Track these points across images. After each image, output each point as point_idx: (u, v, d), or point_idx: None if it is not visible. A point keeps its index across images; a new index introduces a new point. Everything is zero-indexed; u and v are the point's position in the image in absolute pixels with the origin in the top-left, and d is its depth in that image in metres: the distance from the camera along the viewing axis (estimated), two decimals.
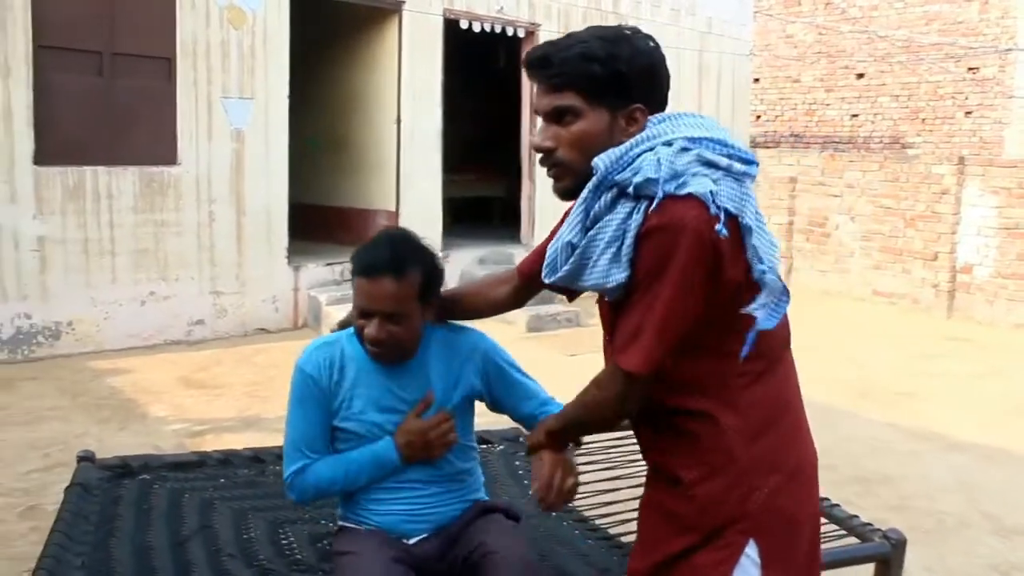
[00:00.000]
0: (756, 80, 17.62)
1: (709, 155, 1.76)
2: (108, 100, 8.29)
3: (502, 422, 2.99)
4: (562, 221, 1.97)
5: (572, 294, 2.05)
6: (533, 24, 11.27)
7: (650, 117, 1.86)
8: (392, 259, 2.33)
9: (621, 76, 1.80)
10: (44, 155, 7.99)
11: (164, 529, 2.83)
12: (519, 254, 11.21)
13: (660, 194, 1.70)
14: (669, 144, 1.76)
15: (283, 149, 9.31)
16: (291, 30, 9.25)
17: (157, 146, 8.58)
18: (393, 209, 10.37)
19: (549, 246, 1.93)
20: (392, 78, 10.22)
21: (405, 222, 10.25)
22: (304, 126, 11.43)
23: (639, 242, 1.72)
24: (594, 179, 1.78)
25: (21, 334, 7.99)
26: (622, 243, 1.74)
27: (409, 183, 10.36)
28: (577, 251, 1.81)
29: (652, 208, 1.70)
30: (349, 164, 10.94)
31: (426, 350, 2.47)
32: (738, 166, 1.78)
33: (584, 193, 1.81)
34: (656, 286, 1.71)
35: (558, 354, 8.84)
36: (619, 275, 1.75)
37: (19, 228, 7.90)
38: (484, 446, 3.58)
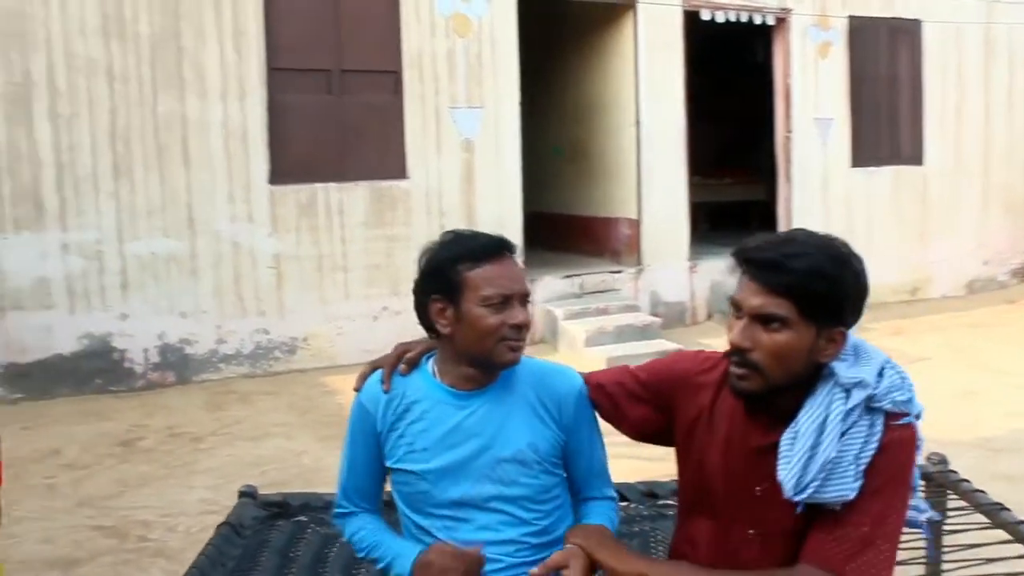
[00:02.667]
0: None
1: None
2: (338, 117, 8.34)
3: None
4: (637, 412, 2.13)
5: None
6: (784, 10, 10.28)
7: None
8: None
9: (841, 300, 1.82)
10: (278, 174, 8.15)
11: None
12: None
13: (912, 411, 1.83)
14: (891, 365, 1.88)
15: (515, 158, 8.98)
16: (520, 34, 8.94)
17: (386, 160, 8.53)
18: (635, 216, 9.74)
19: (787, 465, 1.84)
20: (629, 78, 9.64)
21: (648, 230, 9.64)
22: (546, 134, 11.20)
23: (880, 454, 1.79)
24: (859, 394, 1.82)
25: (260, 349, 8.12)
26: (860, 455, 1.79)
27: (650, 189, 9.70)
28: (829, 464, 1.80)
29: (893, 423, 1.81)
30: (589, 171, 10.49)
31: (510, 380, 2.10)
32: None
33: (838, 407, 1.83)
34: (893, 497, 1.81)
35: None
36: (856, 485, 1.79)
37: (256, 246, 8.07)
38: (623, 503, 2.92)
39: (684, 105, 9.76)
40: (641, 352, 8.25)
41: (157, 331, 7.79)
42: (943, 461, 2.83)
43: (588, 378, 2.20)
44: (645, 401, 2.13)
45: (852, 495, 1.78)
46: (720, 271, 9.96)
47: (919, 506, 1.97)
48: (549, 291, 9.23)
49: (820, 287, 1.78)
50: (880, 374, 1.83)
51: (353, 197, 8.41)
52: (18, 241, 7.46)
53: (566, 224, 10.91)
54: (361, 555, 2.21)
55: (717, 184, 12.10)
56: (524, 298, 2.06)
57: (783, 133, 10.45)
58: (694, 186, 12.14)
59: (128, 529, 5.25)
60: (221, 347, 8.03)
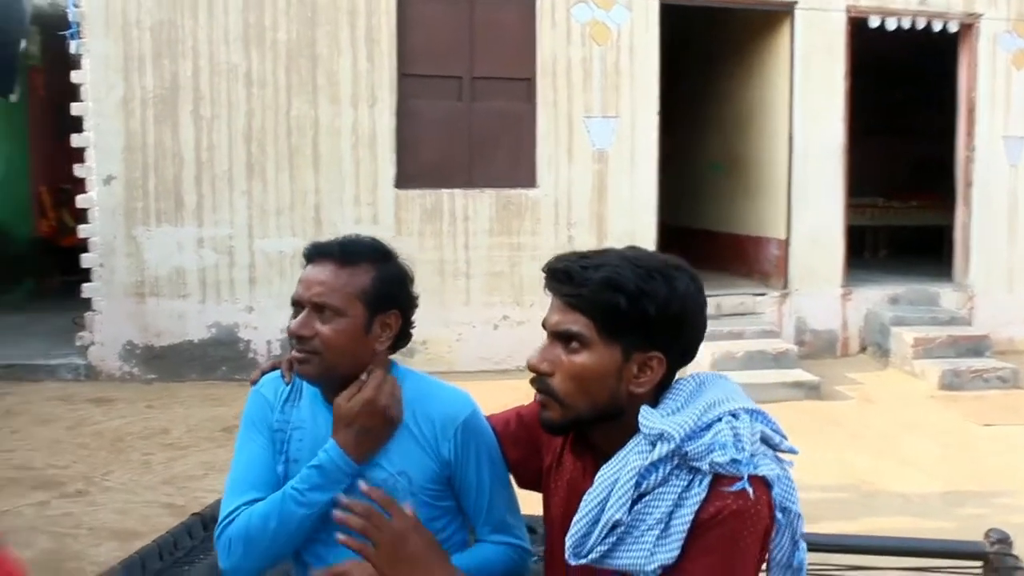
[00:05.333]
0: None
1: (768, 431, 1.63)
2: (467, 124, 8.40)
3: None
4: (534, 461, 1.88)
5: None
6: (971, 15, 9.31)
7: (684, 378, 1.66)
8: (340, 245, 1.92)
9: (645, 317, 1.58)
10: (404, 179, 8.31)
11: None
12: (945, 295, 9.28)
13: (743, 476, 1.53)
14: (734, 415, 1.58)
15: (651, 169, 8.68)
16: (662, 42, 8.64)
17: (515, 168, 8.50)
18: (783, 236, 9.15)
19: (576, 521, 1.61)
20: (783, 90, 9.08)
21: (797, 251, 9.05)
22: (702, 147, 10.80)
23: (702, 523, 1.52)
24: (661, 449, 1.55)
25: None
26: (670, 520, 1.53)
27: (802, 207, 9.07)
28: (620, 528, 1.56)
29: (724, 488, 1.52)
30: (739, 186, 10.01)
31: None
32: (785, 444, 1.65)
33: (635, 461, 1.56)
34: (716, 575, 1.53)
35: (970, 422, 7.06)
36: (665, 556, 1.53)
37: None
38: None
39: (845, 120, 9.05)
40: (770, 381, 7.74)
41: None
42: (1004, 540, 2.29)
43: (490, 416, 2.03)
44: (524, 444, 1.93)
45: (652, 566, 1.53)
46: (878, 300, 9.19)
47: None
48: None
49: (618, 301, 1.56)
50: (707, 427, 1.55)
51: (479, 204, 8.43)
52: (159, 233, 8.05)
53: (711, 241, 10.45)
54: (243, 549, 1.87)
55: (901, 207, 11.15)
56: (317, 308, 1.86)
57: (964, 152, 9.47)
58: (874, 208, 11.34)
59: (192, 510, 5.50)
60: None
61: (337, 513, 1.65)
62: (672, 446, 1.53)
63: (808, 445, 6.44)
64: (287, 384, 1.97)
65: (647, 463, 1.55)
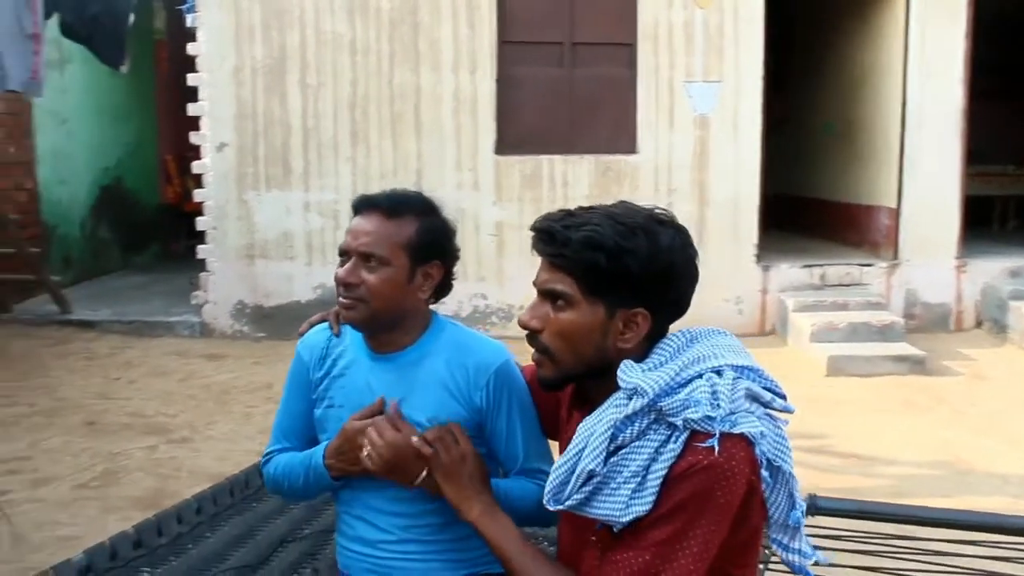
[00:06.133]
0: None
1: (756, 389, 1.62)
2: (568, 90, 8.41)
3: None
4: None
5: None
6: None
7: (675, 333, 1.67)
8: (387, 198, 2.00)
9: (627, 274, 1.60)
10: (504, 145, 8.40)
11: None
12: None
13: (716, 432, 1.53)
14: (718, 372, 1.59)
15: (755, 136, 8.50)
16: (768, 3, 8.42)
17: (615, 134, 8.47)
18: (894, 205, 8.83)
19: (554, 468, 1.68)
20: (898, 51, 8.71)
21: (908, 221, 8.74)
22: (815, 110, 10.51)
23: (673, 478, 1.54)
24: (635, 404, 1.57)
25: (477, 313, 8.44)
26: (647, 474, 1.56)
27: (915, 174, 8.71)
28: (595, 479, 1.59)
29: (698, 444, 1.53)
30: (850, 152, 9.70)
31: (428, 349, 2.02)
32: (779, 403, 1.64)
33: (611, 414, 1.59)
34: (685, 530, 1.53)
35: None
36: (639, 508, 1.55)
37: (480, 213, 8.39)
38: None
39: (964, 82, 8.63)
40: (874, 354, 7.53)
41: None
42: None
43: (524, 368, 2.09)
44: (548, 396, 1.98)
45: (627, 517, 1.56)
46: (997, 273, 8.78)
47: (803, 551, 1.68)
48: (784, 279, 8.65)
49: (598, 260, 1.59)
50: (686, 383, 1.57)
51: (578, 170, 8.45)
52: (269, 198, 8.39)
53: (819, 209, 10.17)
54: (274, 488, 2.19)
55: None
56: (363, 257, 1.95)
57: None
58: (1003, 176, 10.82)
59: None
60: (440, 307, 8.33)
61: (415, 439, 1.84)
62: (646, 401, 1.56)
63: (906, 420, 6.32)
64: (336, 336, 2.08)
65: (622, 416, 1.57)
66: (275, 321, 8.34)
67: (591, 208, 1.68)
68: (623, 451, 1.58)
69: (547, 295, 1.67)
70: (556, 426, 2.00)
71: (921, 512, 2.57)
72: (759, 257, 8.64)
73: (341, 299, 1.97)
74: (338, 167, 8.35)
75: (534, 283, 1.70)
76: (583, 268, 1.61)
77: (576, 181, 8.42)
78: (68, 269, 10.02)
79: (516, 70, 8.38)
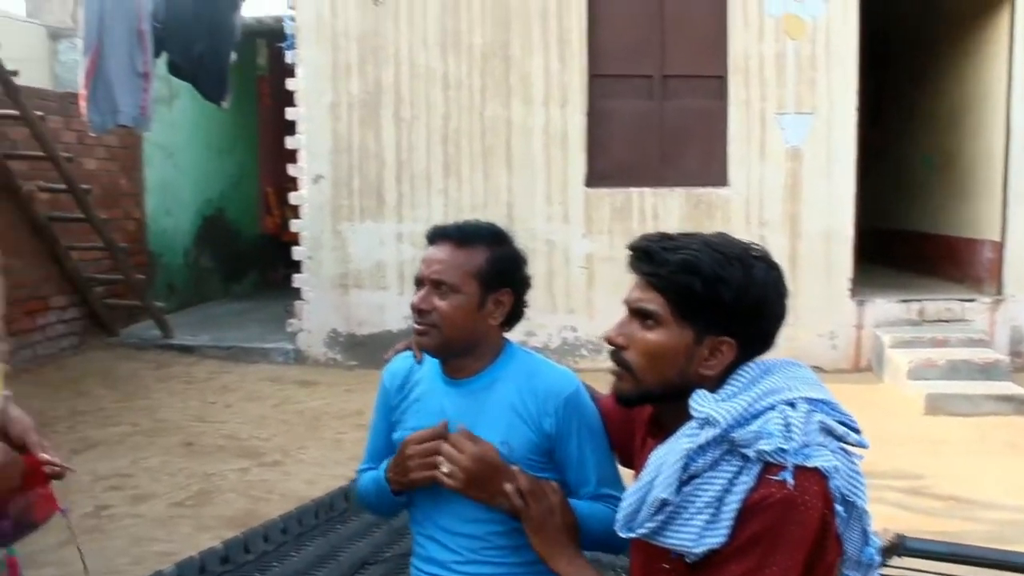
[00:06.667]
0: None
1: (830, 422, 1.60)
2: (658, 122, 8.43)
3: None
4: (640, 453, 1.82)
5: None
6: None
7: (750, 364, 1.66)
8: (458, 228, 2.08)
9: (719, 302, 1.62)
10: (594, 177, 8.45)
11: None
12: None
13: (789, 465, 1.53)
14: (791, 404, 1.58)
15: (849, 167, 8.36)
16: (862, 33, 8.30)
17: (706, 167, 8.44)
18: (997, 238, 8.55)
19: (626, 495, 1.70)
20: (1001, 80, 8.48)
21: (1013, 253, 8.45)
22: (913, 142, 10.27)
23: (747, 510, 1.54)
24: (707, 434, 1.58)
25: (567, 345, 8.46)
26: (720, 505, 1.56)
27: (1020, 207, 8.44)
28: (668, 508, 1.60)
29: (771, 476, 1.53)
30: (951, 184, 9.44)
31: (499, 375, 2.09)
32: (853, 437, 1.62)
33: (684, 443, 1.60)
34: (761, 565, 1.53)
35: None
36: (713, 540, 1.56)
37: (570, 246, 8.43)
38: None
39: None
40: (976, 393, 7.28)
41: None
42: None
43: (600, 400, 2.14)
44: (623, 424, 2.02)
45: (700, 548, 1.57)
46: None
47: None
48: (880, 315, 8.44)
49: (693, 284, 1.61)
50: (758, 414, 1.58)
51: (669, 203, 8.43)
52: (362, 228, 8.59)
53: (917, 243, 9.90)
54: (360, 503, 2.32)
55: None
56: (436, 284, 2.02)
57: None
58: None
59: None
60: (530, 339, 8.48)
61: (508, 486, 1.88)
62: (718, 431, 1.56)
63: (1010, 462, 6.07)
64: (418, 362, 2.15)
65: (695, 446, 1.58)
66: (367, 349, 8.50)
67: (690, 234, 1.71)
68: (696, 481, 1.58)
69: (637, 313, 1.69)
70: (631, 454, 2.01)
71: (1016, 558, 2.46)
72: (853, 291, 8.46)
73: (415, 325, 2.04)
74: (430, 199, 8.52)
75: (625, 300, 1.72)
76: (677, 290, 1.63)
77: (666, 214, 8.40)
78: (172, 296, 10.41)
79: (606, 103, 8.43)
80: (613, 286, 8.43)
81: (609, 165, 8.45)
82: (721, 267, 1.61)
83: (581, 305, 8.46)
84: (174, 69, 8.22)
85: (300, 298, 8.75)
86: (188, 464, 5.92)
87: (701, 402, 1.60)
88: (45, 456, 1.75)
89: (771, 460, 1.53)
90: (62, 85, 10.06)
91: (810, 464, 1.53)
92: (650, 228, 8.25)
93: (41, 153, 8.14)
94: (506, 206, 8.43)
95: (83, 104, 7.66)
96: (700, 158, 8.46)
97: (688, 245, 1.65)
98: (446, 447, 1.95)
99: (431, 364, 2.13)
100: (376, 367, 8.89)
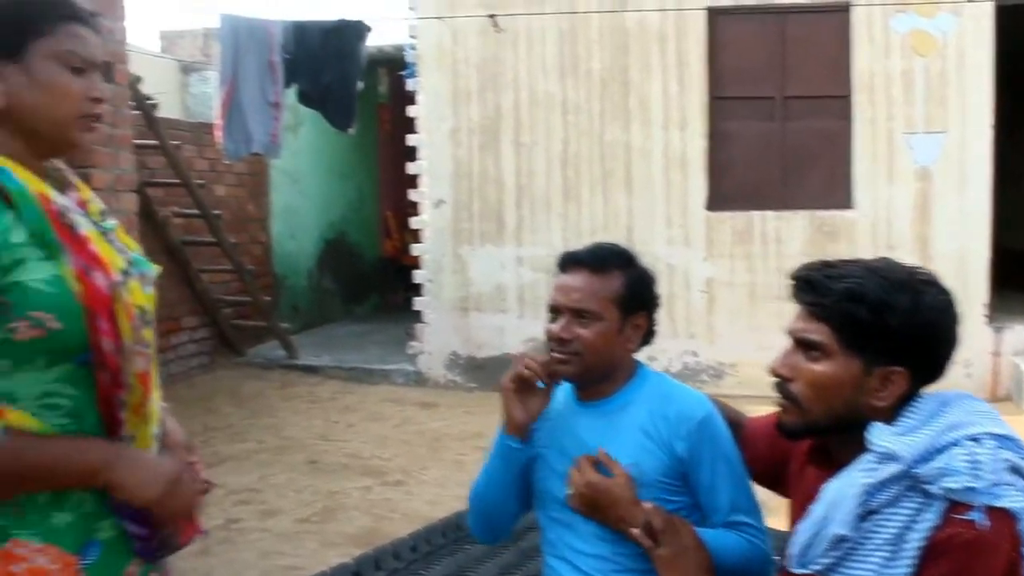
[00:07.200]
0: None
1: (1017, 461, 1.54)
2: (780, 144, 8.28)
3: None
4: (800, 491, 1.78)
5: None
6: None
7: (925, 396, 1.62)
8: (591, 254, 2.10)
9: (887, 330, 1.58)
10: (715, 201, 8.34)
11: None
12: None
13: (978, 504, 1.48)
14: (976, 440, 1.53)
15: (983, 187, 8.02)
16: (998, 47, 7.99)
17: (830, 189, 8.24)
18: None
19: (800, 531, 1.66)
20: None
21: None
22: None
23: (933, 549, 1.49)
24: (889, 469, 1.53)
25: (687, 370, 8.34)
26: (901, 543, 1.52)
27: None
28: (846, 544, 1.57)
29: (958, 515, 1.48)
30: None
31: (632, 397, 2.11)
32: None
33: (862, 478, 1.56)
34: None
35: None
36: None
37: (690, 269, 8.34)
38: None
39: None
40: None
41: None
42: None
43: (746, 422, 2.17)
44: (774, 447, 2.00)
45: None
46: None
47: None
48: (1019, 342, 8.06)
49: (859, 312, 1.59)
50: (942, 450, 1.52)
51: (792, 226, 8.25)
52: (482, 252, 8.68)
53: None
54: (473, 502, 2.32)
55: None
56: (575, 313, 2.04)
57: None
58: None
59: None
60: (652, 364, 8.24)
61: (635, 531, 1.88)
62: (900, 467, 1.52)
63: None
64: (545, 384, 2.14)
65: (874, 482, 1.54)
66: (487, 372, 8.56)
67: (852, 261, 1.68)
68: (875, 517, 1.54)
69: (801, 344, 1.66)
70: (780, 478, 1.98)
71: None
72: (990, 317, 8.11)
73: (555, 354, 2.04)
74: (550, 223, 8.55)
75: (787, 331, 1.70)
76: (843, 319, 1.60)
77: (789, 237, 8.23)
78: (295, 317, 10.70)
79: (727, 125, 8.33)
80: (734, 311, 8.31)
81: (730, 188, 8.33)
82: (887, 293, 1.58)
83: (702, 330, 8.34)
84: (303, 98, 8.51)
85: (420, 320, 8.88)
86: (313, 481, 6.06)
87: (880, 436, 1.56)
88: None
89: (958, 499, 1.48)
90: (192, 116, 10.51)
91: (999, 504, 1.48)
92: (772, 252, 8.15)
93: (176, 180, 8.52)
94: (626, 229, 8.39)
95: (218, 133, 8.00)
96: (824, 180, 8.27)
97: (852, 272, 1.62)
98: (573, 471, 1.97)
99: (564, 385, 2.14)
100: (496, 390, 8.91)
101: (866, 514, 1.55)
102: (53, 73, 1.56)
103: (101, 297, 1.52)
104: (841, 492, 1.58)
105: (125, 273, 1.62)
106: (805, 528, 1.63)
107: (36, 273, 1.48)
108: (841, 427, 1.65)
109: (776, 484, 2.04)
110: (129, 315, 1.57)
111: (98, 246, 1.59)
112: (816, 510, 1.63)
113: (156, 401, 1.69)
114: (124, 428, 1.57)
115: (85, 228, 1.59)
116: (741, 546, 1.98)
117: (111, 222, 1.71)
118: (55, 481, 1.51)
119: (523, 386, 2.06)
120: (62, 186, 1.66)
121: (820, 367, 1.63)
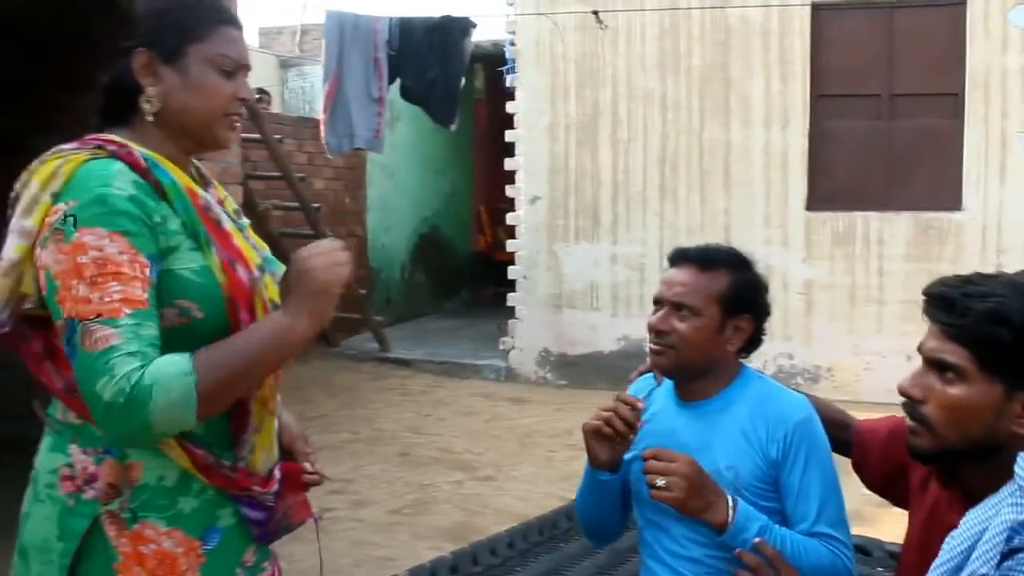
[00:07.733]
0: None
1: None
2: (885, 143, 8.04)
3: None
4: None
5: None
6: None
7: None
8: (701, 251, 2.12)
9: None
10: (815, 201, 8.16)
11: None
12: None
13: None
14: None
15: None
16: None
17: (937, 190, 7.97)
18: None
19: (937, 564, 1.54)
20: None
21: None
22: None
23: None
24: None
25: (782, 373, 8.18)
26: None
27: None
28: None
29: None
30: None
31: (733, 399, 2.07)
32: None
33: (1009, 513, 1.44)
34: None
35: None
36: None
37: (789, 271, 8.17)
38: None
39: None
40: None
41: None
42: None
43: (860, 427, 2.10)
44: (890, 455, 1.95)
45: None
46: None
47: None
48: None
49: (1002, 335, 1.49)
50: None
51: (895, 227, 8.01)
52: (577, 249, 8.66)
53: None
54: (580, 505, 2.27)
55: None
56: (676, 306, 2.03)
57: None
58: None
59: None
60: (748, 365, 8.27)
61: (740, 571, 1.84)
62: None
63: None
64: (658, 384, 2.13)
65: (1023, 518, 1.43)
66: (578, 369, 8.54)
67: (992, 276, 1.58)
68: (1020, 555, 1.43)
69: (935, 364, 1.56)
70: (894, 486, 1.91)
71: None
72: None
73: (652, 345, 2.05)
74: (646, 221, 8.48)
75: (919, 349, 1.60)
76: (982, 342, 1.50)
77: (892, 239, 7.99)
78: (388, 310, 10.83)
79: (829, 124, 8.13)
80: (833, 314, 8.12)
81: (832, 188, 8.13)
82: None
83: (799, 332, 8.17)
84: (407, 94, 8.60)
85: (513, 316, 8.90)
86: (404, 474, 6.12)
87: None
88: (307, 465, 1.83)
89: None
90: (290, 110, 10.74)
91: None
92: (874, 254, 7.93)
93: (277, 173, 8.69)
94: (723, 229, 8.26)
95: (323, 128, 8.14)
96: (931, 180, 8.00)
97: (994, 291, 1.52)
98: (653, 462, 1.90)
99: (666, 385, 2.13)
100: (587, 387, 8.94)
101: (1010, 552, 1.44)
102: (206, 75, 1.61)
103: (243, 289, 1.58)
104: (983, 525, 1.47)
105: (260, 268, 1.68)
106: (942, 562, 1.51)
107: (187, 263, 1.54)
108: (977, 453, 1.56)
109: (887, 492, 1.97)
110: (265, 308, 1.62)
111: (239, 241, 1.65)
112: (953, 543, 1.51)
113: (278, 397, 1.73)
114: (251, 419, 1.61)
115: (227, 224, 1.65)
116: (826, 558, 1.94)
117: (245, 220, 1.77)
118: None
119: (603, 436, 2.02)
120: (203, 183, 1.72)
121: (956, 390, 1.53)
